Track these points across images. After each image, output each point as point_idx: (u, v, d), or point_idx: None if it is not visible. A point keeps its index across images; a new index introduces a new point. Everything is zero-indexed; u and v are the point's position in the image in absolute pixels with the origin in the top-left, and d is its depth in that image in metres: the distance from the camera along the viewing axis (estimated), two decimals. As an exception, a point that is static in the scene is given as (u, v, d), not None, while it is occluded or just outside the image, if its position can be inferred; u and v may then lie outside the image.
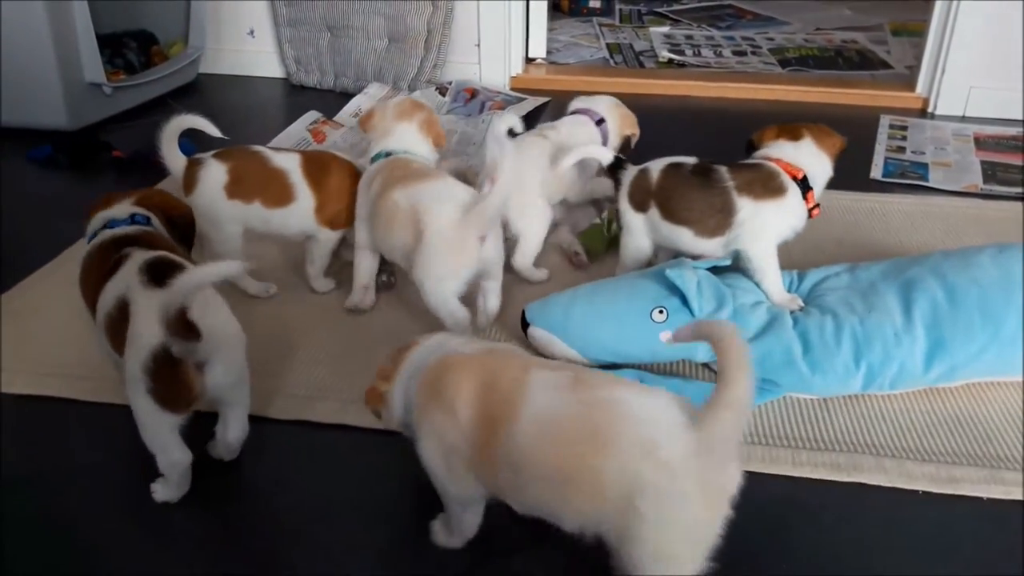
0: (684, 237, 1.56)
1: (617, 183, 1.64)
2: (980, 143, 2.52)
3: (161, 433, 1.15)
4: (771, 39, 3.69)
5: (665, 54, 3.44)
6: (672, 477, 0.88)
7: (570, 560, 1.11)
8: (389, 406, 1.09)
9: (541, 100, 2.83)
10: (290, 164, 1.65)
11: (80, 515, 1.21)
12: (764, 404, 1.39)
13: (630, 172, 1.63)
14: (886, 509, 1.20)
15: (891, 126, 2.65)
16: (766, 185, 1.52)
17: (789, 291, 1.54)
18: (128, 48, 2.90)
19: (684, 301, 1.42)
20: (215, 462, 1.28)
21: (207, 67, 3.18)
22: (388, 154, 1.64)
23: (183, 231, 1.41)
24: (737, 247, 1.54)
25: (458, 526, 1.11)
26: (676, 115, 2.84)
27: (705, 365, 1.49)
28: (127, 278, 1.16)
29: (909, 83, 2.93)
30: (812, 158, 1.55)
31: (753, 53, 3.49)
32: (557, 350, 1.47)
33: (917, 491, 1.22)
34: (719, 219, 1.53)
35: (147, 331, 1.07)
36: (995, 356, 1.37)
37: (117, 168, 2.38)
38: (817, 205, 1.55)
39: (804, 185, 1.53)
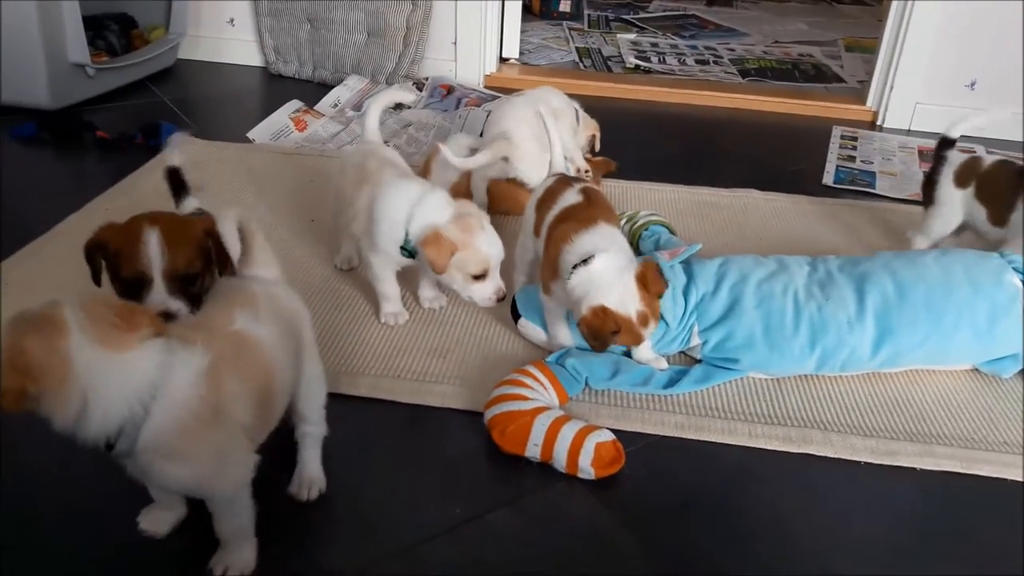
0: (983, 217, 1.81)
1: (942, 161, 1.86)
2: (923, 156, 2.70)
3: None
4: (732, 49, 3.86)
5: (632, 60, 3.59)
6: None
7: (547, 514, 1.24)
8: None
9: (515, 99, 2.93)
10: None
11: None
12: (725, 382, 1.53)
13: (957, 155, 1.86)
14: (832, 477, 1.35)
15: (843, 136, 2.82)
16: None
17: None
18: (109, 30, 2.93)
19: None
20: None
21: (186, 53, 3.22)
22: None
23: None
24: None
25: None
26: (642, 119, 2.97)
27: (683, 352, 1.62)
28: None
29: (860, 97, 3.12)
30: None
31: (715, 62, 3.65)
32: (545, 340, 1.59)
33: (860, 462, 1.37)
34: (1005, 213, 1.76)
35: None
36: (935, 345, 1.53)
37: (100, 148, 2.43)
38: None
39: None
